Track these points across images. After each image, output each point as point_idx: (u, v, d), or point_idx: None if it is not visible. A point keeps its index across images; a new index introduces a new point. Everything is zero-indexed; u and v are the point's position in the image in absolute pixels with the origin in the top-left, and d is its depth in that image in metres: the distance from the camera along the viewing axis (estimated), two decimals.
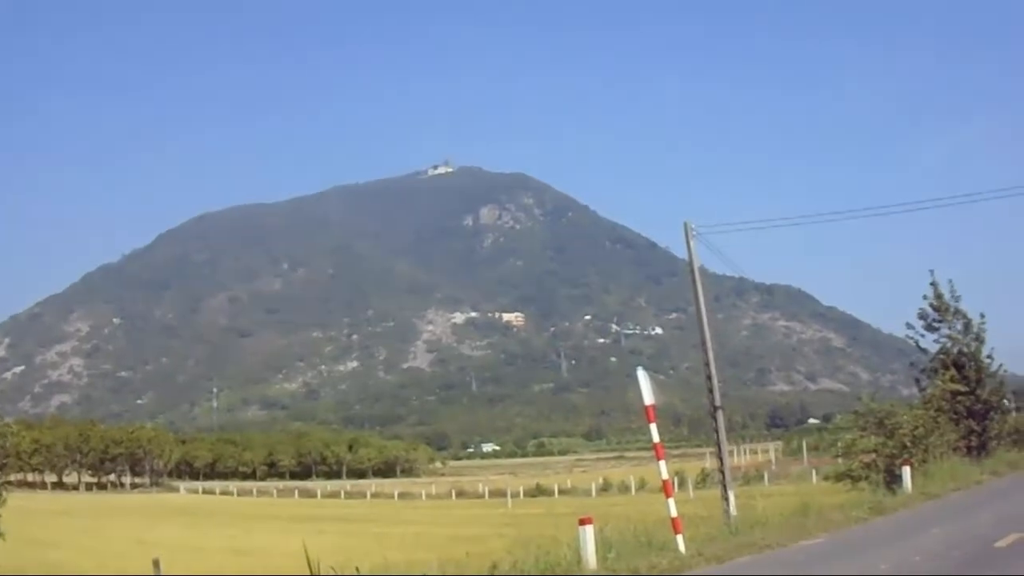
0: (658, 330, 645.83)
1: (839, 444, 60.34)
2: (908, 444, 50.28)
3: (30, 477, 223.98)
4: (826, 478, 66.07)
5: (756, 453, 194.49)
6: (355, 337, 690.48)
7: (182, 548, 54.41)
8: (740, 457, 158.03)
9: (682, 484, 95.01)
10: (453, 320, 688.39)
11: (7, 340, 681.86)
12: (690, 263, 42.90)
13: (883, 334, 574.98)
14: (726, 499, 39.06)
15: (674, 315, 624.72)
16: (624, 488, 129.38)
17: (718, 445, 41.38)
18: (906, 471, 45.75)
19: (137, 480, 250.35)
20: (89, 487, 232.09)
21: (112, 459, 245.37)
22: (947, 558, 23.23)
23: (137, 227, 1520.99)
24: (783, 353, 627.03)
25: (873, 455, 51.38)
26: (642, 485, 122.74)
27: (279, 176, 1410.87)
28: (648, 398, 29.63)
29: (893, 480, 48.42)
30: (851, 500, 44.80)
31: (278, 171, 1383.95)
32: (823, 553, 28.26)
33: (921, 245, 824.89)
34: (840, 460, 60.27)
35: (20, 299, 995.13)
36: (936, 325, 60.23)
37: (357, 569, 23.06)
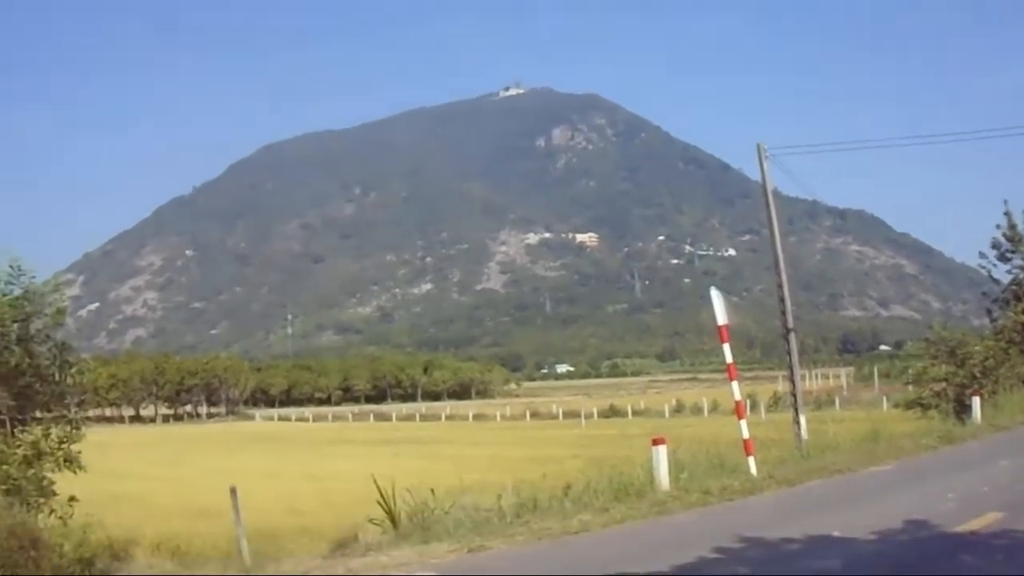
0: (731, 252, 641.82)
1: (910, 372, 60.03)
2: (978, 375, 49.76)
3: (108, 412, 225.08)
4: (896, 405, 65.51)
5: (827, 378, 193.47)
6: (428, 260, 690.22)
7: (259, 475, 54.83)
8: (812, 382, 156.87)
9: (754, 407, 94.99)
10: (527, 241, 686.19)
11: (81, 278, 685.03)
12: (763, 185, 42.59)
13: (955, 263, 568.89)
14: (797, 423, 38.93)
15: (747, 237, 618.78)
16: (697, 410, 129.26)
17: (790, 368, 41.22)
18: (976, 401, 45.34)
19: (213, 410, 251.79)
20: (166, 419, 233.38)
21: (188, 390, 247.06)
22: (1013, 491, 23.20)
23: (207, 160, 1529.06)
24: (855, 278, 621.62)
25: (943, 384, 50.96)
26: (715, 407, 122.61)
27: (348, 102, 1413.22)
28: (721, 318, 29.68)
29: (962, 410, 48.05)
30: (921, 428, 44.54)
31: (347, 97, 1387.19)
32: (892, 479, 28.22)
33: (996, 174, 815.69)
34: (911, 388, 59.98)
35: (92, 237, 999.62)
36: (1009, 256, 58.87)
37: (433, 491, 23.30)
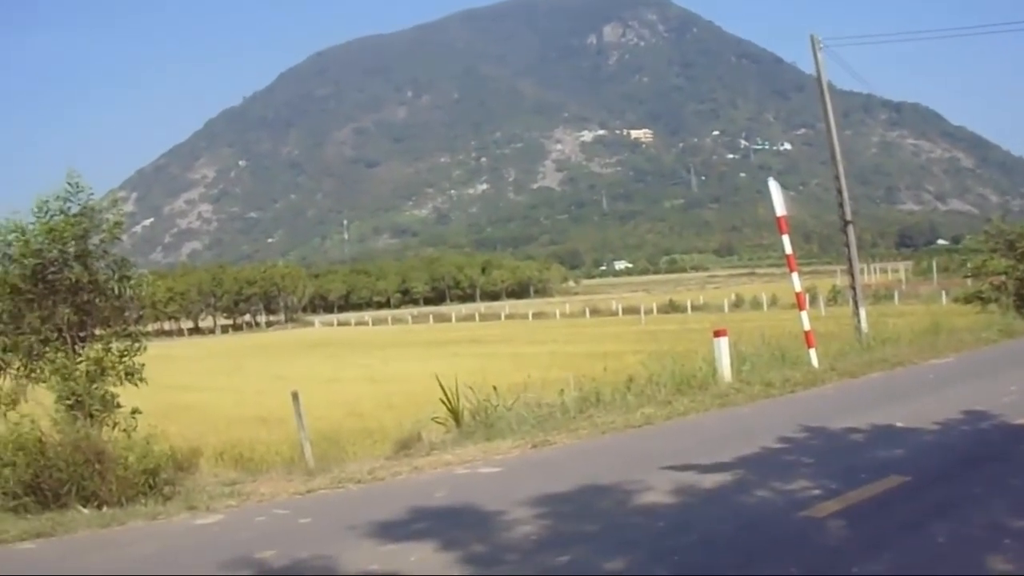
0: (787, 146, 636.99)
1: (968, 266, 59.46)
2: None
3: (166, 325, 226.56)
4: (956, 300, 65.00)
5: (886, 272, 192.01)
6: (483, 160, 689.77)
7: (320, 380, 55.03)
8: (870, 276, 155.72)
9: (813, 301, 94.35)
10: (581, 138, 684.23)
11: (135, 194, 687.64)
12: (818, 77, 42.19)
13: (1013, 157, 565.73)
14: (857, 315, 38.80)
15: (802, 131, 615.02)
16: (756, 304, 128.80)
17: (849, 260, 40.98)
18: None
19: (272, 318, 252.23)
20: (225, 329, 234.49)
21: (246, 299, 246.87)
22: None
23: (256, 69, 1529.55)
24: (912, 172, 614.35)
25: (1003, 277, 50.58)
26: (774, 301, 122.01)
27: (398, 6, 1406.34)
28: (780, 209, 29.65)
29: (1023, 304, 47.80)
30: (980, 322, 44.36)
31: (397, 0, 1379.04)
32: (953, 372, 28.14)
33: None
34: (970, 281, 59.46)
35: (144, 153, 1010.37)
36: None
37: (495, 389, 23.41)
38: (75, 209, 21.01)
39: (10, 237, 20.51)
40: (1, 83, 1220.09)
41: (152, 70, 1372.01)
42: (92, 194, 21.33)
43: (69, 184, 20.96)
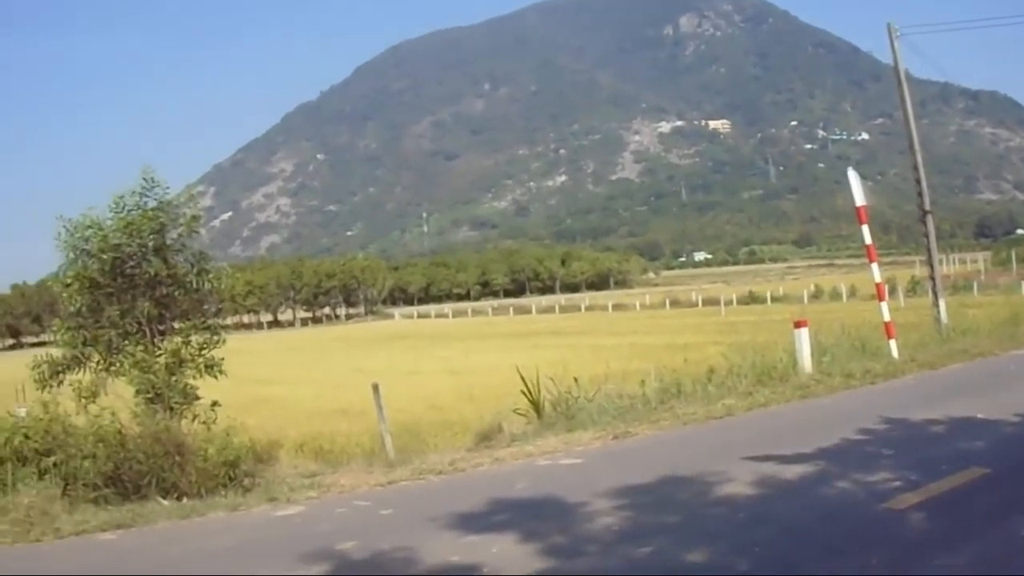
0: (864, 135, 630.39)
1: None
2: None
3: (245, 318, 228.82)
4: None
5: (964, 263, 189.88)
6: (562, 151, 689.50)
7: (400, 373, 55.18)
8: (949, 266, 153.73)
9: (892, 292, 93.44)
10: (659, 129, 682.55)
11: (212, 189, 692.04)
12: (895, 66, 41.70)
13: None
14: (937, 306, 38.39)
15: (880, 120, 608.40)
16: (835, 295, 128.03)
17: (928, 251, 40.55)
18: None
19: (351, 311, 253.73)
20: (304, 322, 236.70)
21: (325, 292, 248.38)
22: None
23: (332, 64, 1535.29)
24: (990, 161, 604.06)
25: None
26: (853, 292, 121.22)
27: None
28: (860, 199, 29.36)
29: None
30: None
31: None
32: None
33: None
34: None
35: (222, 148, 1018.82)
36: None
37: (576, 380, 23.31)
38: (152, 204, 21.12)
39: (87, 233, 20.62)
40: (78, 79, 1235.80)
41: (227, 66, 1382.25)
42: (168, 189, 21.45)
43: (144, 180, 21.07)
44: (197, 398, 20.81)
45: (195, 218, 21.81)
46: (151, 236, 20.87)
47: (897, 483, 13.24)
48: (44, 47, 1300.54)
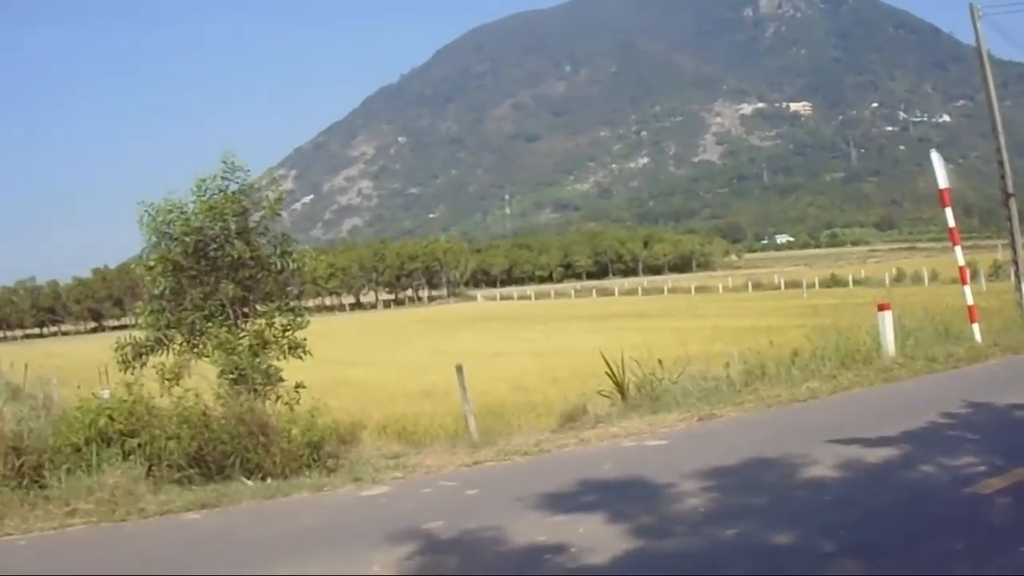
0: (946, 117, 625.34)
1: None
2: None
3: (328, 301, 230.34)
4: None
5: None
6: (643, 133, 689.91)
7: (483, 354, 55.15)
8: None
9: (974, 276, 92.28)
10: (740, 111, 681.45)
11: (294, 172, 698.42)
12: (977, 47, 41.04)
13: None
14: (1019, 290, 37.86)
15: (961, 102, 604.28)
16: (917, 279, 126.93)
17: (1011, 234, 39.92)
18: None
19: (434, 293, 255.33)
20: (387, 304, 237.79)
21: (408, 275, 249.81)
22: None
23: (413, 47, 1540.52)
24: None
25: None
26: (935, 276, 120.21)
27: None
28: (943, 181, 29.04)
29: None
30: None
31: None
32: None
33: None
34: None
35: (302, 132, 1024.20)
36: None
37: (660, 362, 23.18)
38: (234, 188, 21.17)
39: (169, 217, 20.71)
40: (164, 66, 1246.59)
41: (308, 49, 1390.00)
42: (249, 172, 21.51)
43: (225, 163, 21.14)
44: (281, 379, 20.85)
45: (277, 200, 21.85)
46: (234, 219, 20.93)
47: (982, 468, 13.03)
48: (132, 30, 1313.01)
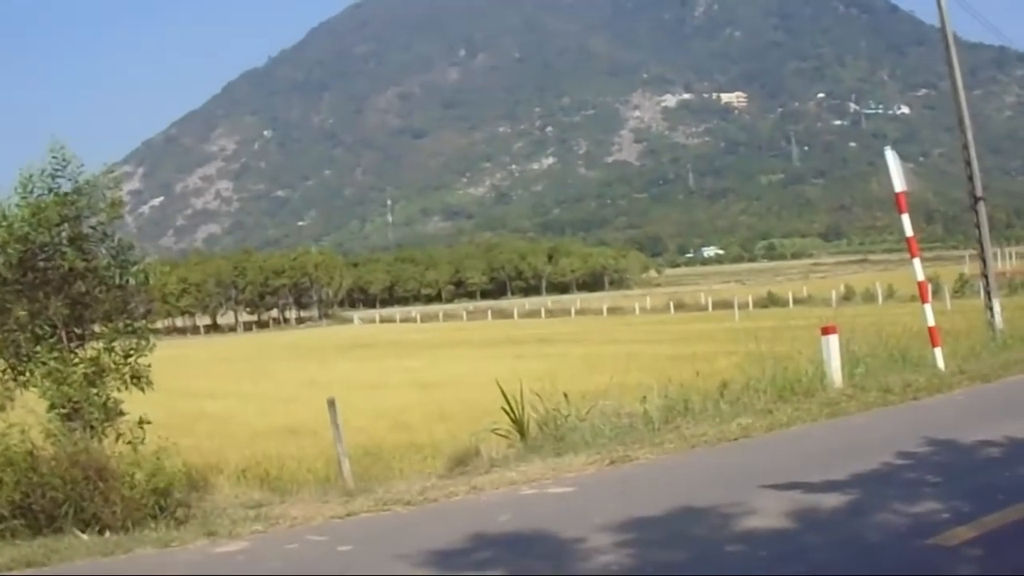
0: (904, 109, 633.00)
1: None
2: None
3: (179, 322, 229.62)
4: None
5: (1023, 258, 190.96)
6: (549, 130, 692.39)
7: (360, 386, 55.23)
8: (1004, 261, 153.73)
9: (936, 292, 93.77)
10: (663, 104, 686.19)
11: (141, 169, 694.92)
12: (942, 28, 41.48)
13: None
14: (990, 308, 38.31)
15: (923, 92, 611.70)
16: (869, 297, 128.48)
17: (980, 244, 40.40)
18: None
19: (304, 314, 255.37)
20: (248, 327, 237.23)
21: (273, 292, 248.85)
22: None
23: (283, 24, 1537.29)
24: None
25: None
26: (890, 294, 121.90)
27: None
28: (899, 184, 29.33)
29: None
30: None
31: None
32: None
33: None
34: None
35: (153, 121, 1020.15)
36: None
37: (566, 396, 23.28)
38: (67, 187, 20.91)
39: None
40: None
41: (160, 27, 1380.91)
42: (82, 166, 21.21)
43: (54, 157, 20.82)
44: (121, 414, 20.65)
45: (116, 203, 21.60)
46: (66, 224, 20.67)
47: (946, 515, 13.19)
48: None
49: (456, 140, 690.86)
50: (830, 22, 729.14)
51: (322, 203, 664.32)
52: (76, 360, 20.61)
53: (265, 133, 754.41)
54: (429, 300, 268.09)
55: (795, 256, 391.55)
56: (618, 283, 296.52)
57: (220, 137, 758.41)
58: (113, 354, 21.07)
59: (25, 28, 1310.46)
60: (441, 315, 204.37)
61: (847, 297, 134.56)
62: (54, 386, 20.03)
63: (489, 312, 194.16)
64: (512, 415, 22.69)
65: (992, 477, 15.47)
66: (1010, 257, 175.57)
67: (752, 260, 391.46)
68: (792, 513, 13.92)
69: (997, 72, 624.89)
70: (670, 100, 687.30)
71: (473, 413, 28.91)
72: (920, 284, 30.85)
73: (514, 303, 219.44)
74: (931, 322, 29.37)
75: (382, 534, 15.26)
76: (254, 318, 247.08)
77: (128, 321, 21.92)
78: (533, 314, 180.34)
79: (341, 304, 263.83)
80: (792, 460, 18.05)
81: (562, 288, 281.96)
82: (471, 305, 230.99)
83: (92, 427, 19.43)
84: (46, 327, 20.79)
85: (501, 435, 22.72)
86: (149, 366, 21.54)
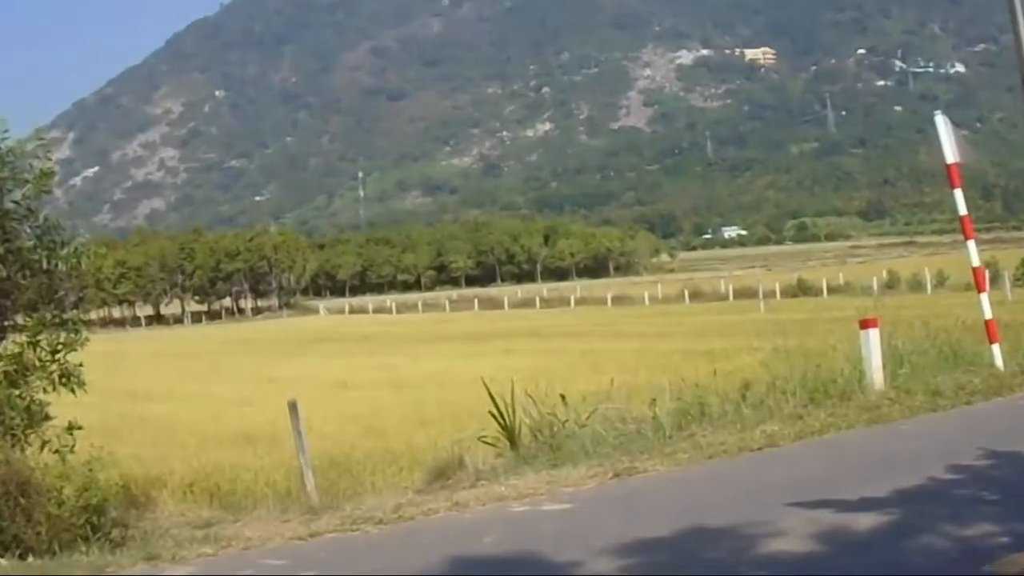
0: (959, 67, 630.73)
1: None
2: None
3: (116, 312, 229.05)
4: None
5: None
6: (546, 91, 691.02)
7: (327, 385, 55.34)
8: None
9: (995, 279, 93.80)
10: (678, 61, 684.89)
11: (72, 135, 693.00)
12: None
13: None
14: None
15: (980, 47, 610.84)
16: (916, 285, 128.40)
17: None
18: None
19: (261, 303, 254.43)
20: (197, 318, 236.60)
21: (226, 278, 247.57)
22: None
23: None
24: None
25: None
26: (940, 281, 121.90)
27: None
28: (951, 155, 29.13)
29: None
30: None
31: None
32: None
33: None
34: None
35: (86, 79, 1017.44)
36: None
37: (563, 398, 23.24)
38: None
39: None
40: None
41: None
42: (7, 133, 21.12)
43: None
44: (48, 418, 20.60)
45: (44, 174, 21.52)
46: None
47: (1005, 539, 13.14)
48: None
49: (438, 103, 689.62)
50: None
51: (283, 175, 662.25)
52: None
53: (216, 93, 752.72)
54: (406, 287, 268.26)
55: (830, 238, 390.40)
56: (625, 268, 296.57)
57: (164, 98, 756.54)
58: (39, 349, 21.01)
59: None
60: (420, 305, 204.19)
61: (890, 285, 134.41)
62: None
63: (476, 301, 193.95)
64: (501, 420, 22.60)
65: None
66: None
67: (780, 242, 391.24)
68: (823, 535, 13.88)
69: None
70: (686, 57, 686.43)
71: (456, 417, 29.00)
72: (975, 270, 30.68)
73: (504, 291, 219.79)
74: (988, 314, 29.20)
75: (350, 558, 15.24)
76: (204, 308, 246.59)
77: (56, 312, 21.85)
78: (526, 304, 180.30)
79: (305, 292, 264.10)
80: (824, 473, 18.01)
81: (560, 274, 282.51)
82: (455, 293, 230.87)
83: (13, 434, 19.38)
84: None
85: (488, 443, 22.67)
86: (80, 364, 21.47)
